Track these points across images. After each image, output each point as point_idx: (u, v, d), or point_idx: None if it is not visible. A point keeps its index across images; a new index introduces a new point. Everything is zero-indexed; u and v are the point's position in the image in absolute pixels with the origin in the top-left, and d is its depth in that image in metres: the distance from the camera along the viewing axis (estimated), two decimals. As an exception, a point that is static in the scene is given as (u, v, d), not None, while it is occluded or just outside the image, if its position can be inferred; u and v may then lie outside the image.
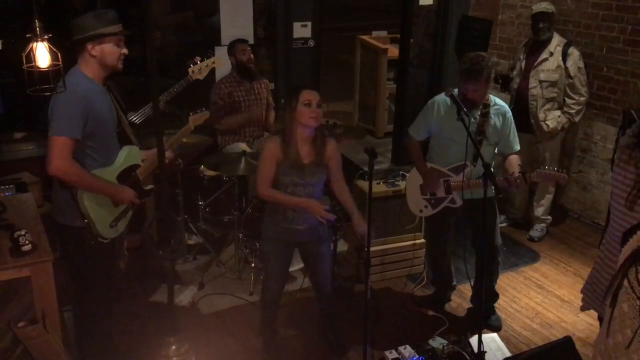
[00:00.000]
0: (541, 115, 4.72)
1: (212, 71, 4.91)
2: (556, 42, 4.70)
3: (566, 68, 4.66)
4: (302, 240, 3.34)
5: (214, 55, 3.94)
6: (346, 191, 3.37)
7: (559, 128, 4.77)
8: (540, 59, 4.68)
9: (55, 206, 2.99)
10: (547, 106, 4.71)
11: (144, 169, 3.10)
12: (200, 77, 3.86)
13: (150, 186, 3.18)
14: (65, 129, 2.69)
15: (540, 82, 4.67)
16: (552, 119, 4.72)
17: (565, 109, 4.73)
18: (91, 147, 2.83)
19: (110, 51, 2.83)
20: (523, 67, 4.79)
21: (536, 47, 4.75)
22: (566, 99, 4.73)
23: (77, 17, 2.84)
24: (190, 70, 3.83)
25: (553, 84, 4.67)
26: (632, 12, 4.76)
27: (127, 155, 3.01)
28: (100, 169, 2.88)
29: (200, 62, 3.85)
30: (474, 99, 3.46)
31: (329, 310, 3.67)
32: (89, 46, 2.79)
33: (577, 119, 4.78)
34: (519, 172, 3.47)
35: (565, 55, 4.66)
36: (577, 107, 4.72)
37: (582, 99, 4.72)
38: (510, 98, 4.89)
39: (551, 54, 4.66)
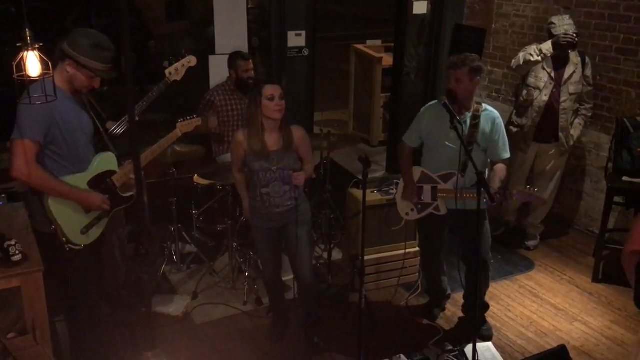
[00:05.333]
0: (569, 127, 4.76)
1: (207, 80, 4.93)
2: (573, 53, 4.66)
3: (587, 77, 4.69)
4: (282, 223, 3.47)
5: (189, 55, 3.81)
6: (309, 170, 3.53)
7: (581, 134, 4.89)
8: (569, 72, 4.62)
9: (30, 212, 3.01)
10: (572, 118, 4.77)
11: (121, 175, 3.09)
12: (178, 77, 3.76)
13: (129, 193, 3.15)
14: (27, 132, 2.73)
15: (570, 94, 4.66)
16: (575, 127, 4.78)
17: (584, 112, 4.78)
18: (58, 153, 2.85)
19: (81, 79, 2.89)
20: (554, 79, 4.63)
21: (557, 60, 4.63)
22: (580, 107, 4.76)
23: (81, 31, 2.86)
24: (167, 72, 3.73)
25: (580, 95, 4.70)
26: (625, 21, 4.78)
27: (100, 162, 3.03)
28: (71, 175, 2.90)
29: (176, 61, 3.74)
30: (456, 91, 3.43)
31: (310, 308, 3.69)
32: (68, 61, 2.84)
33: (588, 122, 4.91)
34: (499, 188, 3.45)
35: (584, 64, 4.68)
36: (591, 112, 4.83)
37: (592, 102, 4.83)
38: (536, 110, 4.68)
39: (576, 65, 4.64)
